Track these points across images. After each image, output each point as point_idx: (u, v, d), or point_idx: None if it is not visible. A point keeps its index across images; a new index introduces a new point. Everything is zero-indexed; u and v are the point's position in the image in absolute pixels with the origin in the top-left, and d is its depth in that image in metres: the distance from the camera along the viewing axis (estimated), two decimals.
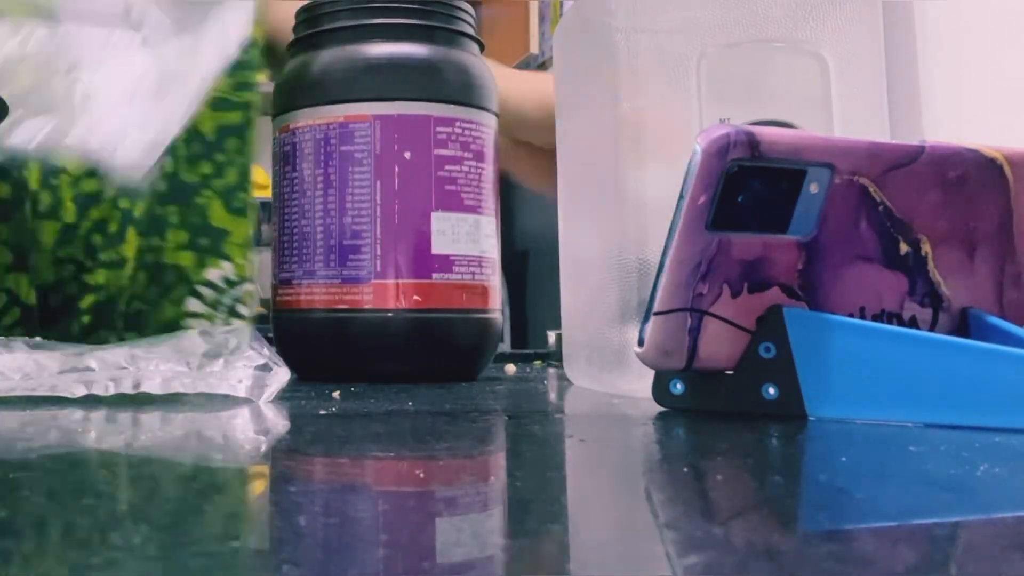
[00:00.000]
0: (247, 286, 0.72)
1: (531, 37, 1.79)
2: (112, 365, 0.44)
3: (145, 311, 0.73)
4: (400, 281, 0.57)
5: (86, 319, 0.75)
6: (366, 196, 0.58)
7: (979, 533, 0.22)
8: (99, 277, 0.75)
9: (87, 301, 0.75)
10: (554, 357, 0.75)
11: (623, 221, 0.50)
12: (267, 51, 0.66)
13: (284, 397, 0.45)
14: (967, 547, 0.21)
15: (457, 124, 0.59)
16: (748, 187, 0.37)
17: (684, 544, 0.20)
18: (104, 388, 0.43)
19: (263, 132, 0.69)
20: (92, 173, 0.73)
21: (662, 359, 0.38)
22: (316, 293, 0.59)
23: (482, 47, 0.65)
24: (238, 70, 0.69)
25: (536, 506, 0.24)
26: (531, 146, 0.81)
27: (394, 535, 0.21)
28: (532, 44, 1.78)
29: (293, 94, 0.62)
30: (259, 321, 0.73)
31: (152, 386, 0.43)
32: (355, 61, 0.60)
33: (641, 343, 0.38)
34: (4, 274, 0.73)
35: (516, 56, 1.77)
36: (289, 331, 0.61)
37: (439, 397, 0.49)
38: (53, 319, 0.75)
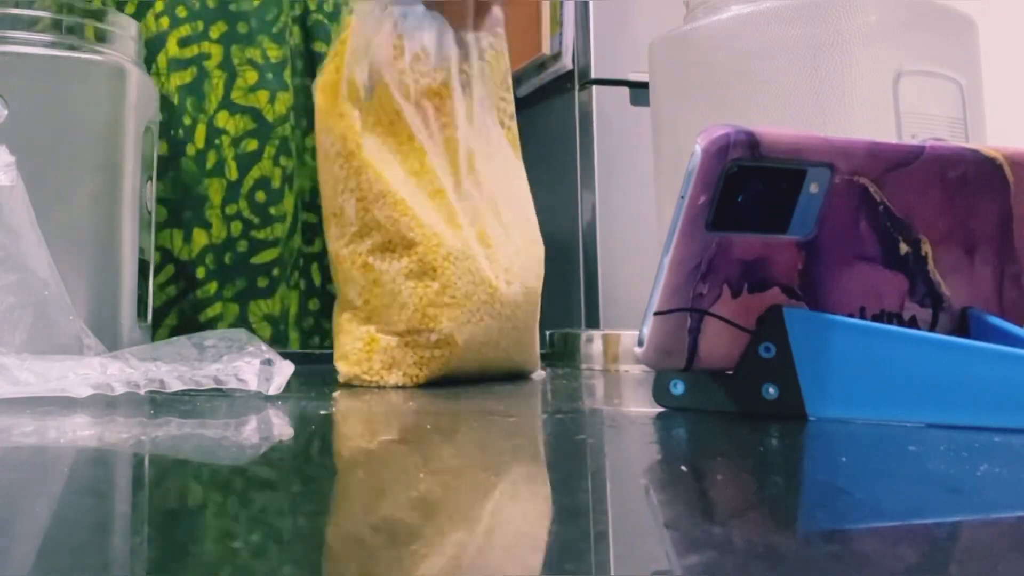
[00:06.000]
0: None
1: (543, 38, 1.79)
2: (119, 366, 0.44)
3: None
4: None
5: (269, 277, 0.77)
6: None
7: (979, 533, 0.22)
8: (276, 231, 0.78)
9: (263, 257, 0.77)
10: (554, 357, 0.75)
11: None
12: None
13: (286, 397, 0.45)
14: (967, 547, 0.21)
15: None
16: (748, 187, 0.37)
17: (684, 544, 0.20)
18: (111, 388, 0.43)
19: None
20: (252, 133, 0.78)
21: (662, 359, 0.38)
22: None
23: None
24: None
25: (535, 505, 0.24)
26: None
27: (389, 536, 0.21)
28: (544, 45, 1.78)
29: None
30: None
31: (162, 385, 0.44)
32: None
33: (641, 343, 0.38)
34: (159, 232, 0.76)
35: (527, 56, 1.78)
36: None
37: (439, 397, 0.49)
38: (229, 277, 0.77)
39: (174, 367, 0.45)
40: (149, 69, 0.76)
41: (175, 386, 0.44)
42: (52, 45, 0.56)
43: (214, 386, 0.44)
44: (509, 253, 0.59)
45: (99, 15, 0.58)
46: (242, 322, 0.79)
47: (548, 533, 0.21)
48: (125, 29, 0.60)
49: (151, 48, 0.77)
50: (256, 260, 0.78)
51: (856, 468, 0.29)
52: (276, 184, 0.79)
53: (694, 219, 0.36)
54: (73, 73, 0.57)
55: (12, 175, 0.48)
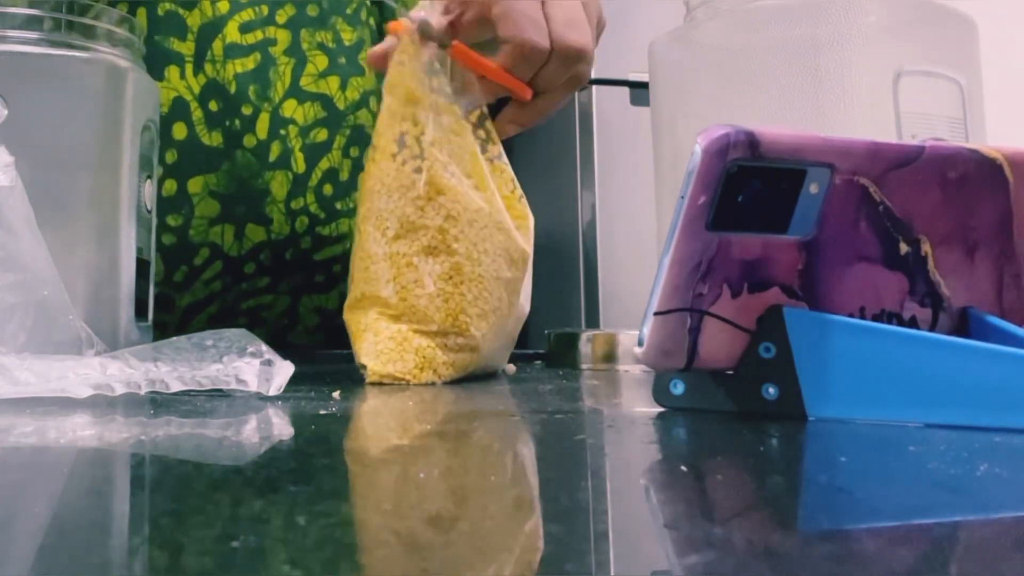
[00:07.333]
0: None
1: None
2: (119, 366, 0.44)
3: None
4: None
5: (327, 273, 0.75)
6: None
7: (979, 533, 0.22)
8: (341, 226, 0.75)
9: (325, 254, 0.75)
10: (554, 357, 0.75)
11: None
12: None
13: (286, 397, 0.45)
14: (967, 547, 0.21)
15: None
16: (748, 187, 0.37)
17: (684, 544, 0.20)
18: (111, 389, 0.43)
19: None
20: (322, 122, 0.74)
21: (662, 359, 0.38)
22: None
23: None
24: None
25: (535, 506, 0.24)
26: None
27: (387, 536, 0.21)
28: None
29: None
30: None
31: (162, 385, 0.44)
32: None
33: (641, 343, 0.38)
34: (208, 227, 0.73)
35: None
36: None
37: (440, 397, 0.49)
38: (287, 273, 0.75)
39: (174, 367, 0.45)
40: (202, 57, 0.72)
41: (175, 386, 0.44)
42: (50, 44, 0.56)
43: (214, 387, 0.44)
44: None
45: (98, 14, 0.58)
46: (290, 311, 0.77)
47: (548, 533, 0.21)
48: (123, 28, 0.60)
49: (204, 35, 0.72)
50: (318, 257, 0.75)
51: (856, 468, 0.29)
52: (344, 176, 0.75)
53: (694, 219, 0.36)
54: (70, 72, 0.57)
55: (12, 175, 0.48)
